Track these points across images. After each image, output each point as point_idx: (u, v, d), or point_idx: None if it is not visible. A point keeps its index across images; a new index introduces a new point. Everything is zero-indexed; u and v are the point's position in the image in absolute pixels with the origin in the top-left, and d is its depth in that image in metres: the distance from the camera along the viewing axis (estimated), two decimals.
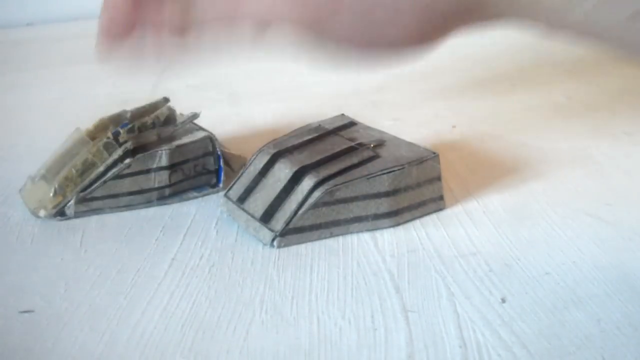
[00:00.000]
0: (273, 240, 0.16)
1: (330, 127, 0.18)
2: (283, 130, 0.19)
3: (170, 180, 0.19)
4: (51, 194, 0.18)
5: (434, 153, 0.17)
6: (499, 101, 0.26)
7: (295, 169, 0.16)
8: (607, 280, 0.14)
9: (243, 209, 0.17)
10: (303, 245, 0.16)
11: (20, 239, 0.17)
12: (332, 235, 0.16)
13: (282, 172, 0.16)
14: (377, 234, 0.17)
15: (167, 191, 0.19)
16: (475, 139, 0.22)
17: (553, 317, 0.13)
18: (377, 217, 0.16)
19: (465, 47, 0.23)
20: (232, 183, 0.17)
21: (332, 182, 0.16)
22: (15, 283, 0.15)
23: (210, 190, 0.20)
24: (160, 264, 0.16)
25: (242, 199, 0.17)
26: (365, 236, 0.17)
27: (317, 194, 0.16)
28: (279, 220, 0.16)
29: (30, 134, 0.25)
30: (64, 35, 0.41)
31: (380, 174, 0.16)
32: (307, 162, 0.16)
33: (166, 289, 0.15)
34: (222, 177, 0.20)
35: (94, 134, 0.19)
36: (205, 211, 0.19)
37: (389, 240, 0.16)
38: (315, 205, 0.15)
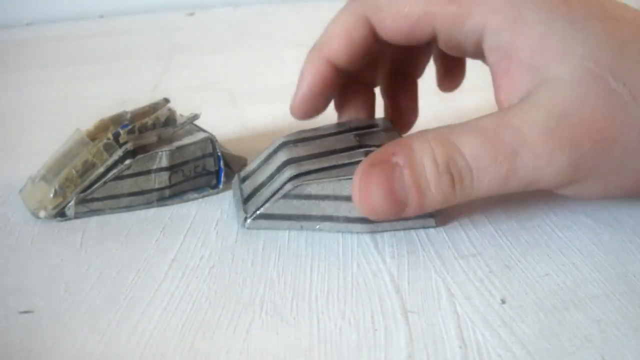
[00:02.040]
0: (245, 221, 0.16)
1: (349, 126, 0.18)
2: (283, 132, 0.19)
3: (170, 181, 0.19)
4: (51, 195, 0.18)
5: None
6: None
7: (285, 159, 0.17)
8: (607, 281, 0.14)
9: (240, 188, 0.17)
10: (303, 247, 0.16)
11: (20, 240, 0.17)
12: (302, 229, 0.16)
13: (278, 160, 0.17)
14: (377, 235, 0.17)
15: (167, 192, 0.19)
16: None
17: (553, 317, 0.13)
18: (349, 220, 0.16)
19: None
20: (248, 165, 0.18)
21: (304, 178, 0.16)
22: (15, 283, 0.15)
23: (211, 191, 0.20)
24: (160, 264, 0.16)
25: (243, 179, 0.18)
26: (365, 237, 0.17)
27: (288, 186, 0.16)
28: (253, 204, 0.17)
29: (30, 134, 0.25)
30: (64, 35, 0.41)
31: (349, 178, 0.16)
32: (301, 154, 0.17)
33: (166, 289, 0.15)
34: (222, 179, 0.20)
35: (94, 135, 0.19)
36: (206, 212, 0.19)
37: (389, 242, 0.16)
38: (285, 196, 0.16)
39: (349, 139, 0.18)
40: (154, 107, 0.20)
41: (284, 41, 0.38)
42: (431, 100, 0.27)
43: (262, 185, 0.17)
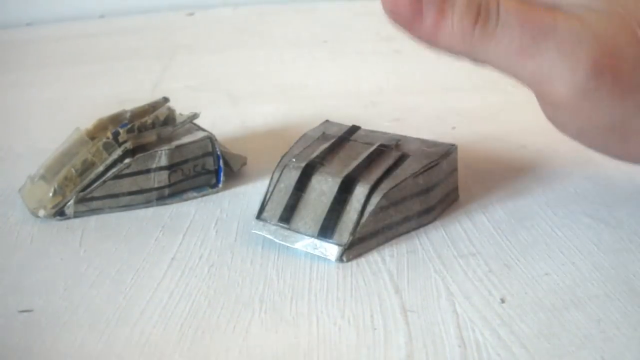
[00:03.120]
0: (342, 254, 0.15)
1: (335, 134, 0.18)
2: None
3: (169, 180, 0.19)
4: (50, 194, 0.18)
5: (453, 145, 0.17)
6: (499, 102, 0.26)
7: (339, 179, 0.16)
8: (606, 281, 0.14)
9: (291, 229, 0.16)
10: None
11: (19, 239, 0.17)
12: (387, 240, 0.16)
13: (325, 184, 0.16)
14: None
15: (166, 191, 0.19)
16: (474, 141, 0.22)
17: (552, 317, 0.13)
18: (420, 214, 0.16)
19: None
20: (261, 205, 0.16)
21: (384, 186, 0.16)
22: (14, 282, 0.15)
23: (210, 190, 0.20)
24: (160, 263, 0.16)
25: (285, 219, 0.16)
26: None
27: (374, 199, 0.15)
28: (343, 233, 0.15)
29: (30, 134, 0.26)
30: (64, 35, 0.41)
31: (422, 171, 0.16)
32: (347, 170, 0.16)
33: (165, 288, 0.15)
34: (222, 178, 0.20)
35: (93, 134, 0.19)
36: (205, 211, 0.19)
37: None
38: (374, 212, 0.15)
39: (357, 144, 0.17)
40: (153, 106, 0.20)
41: (284, 41, 0.37)
42: (432, 98, 0.27)
43: (335, 213, 0.15)
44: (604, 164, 0.19)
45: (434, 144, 0.18)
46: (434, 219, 0.17)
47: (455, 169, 0.18)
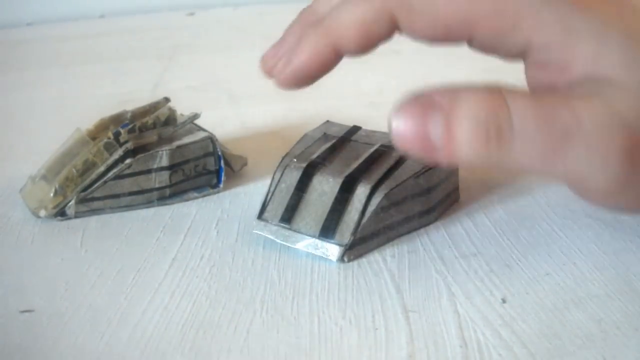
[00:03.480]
0: (343, 254, 0.15)
1: (336, 134, 0.18)
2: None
3: (170, 181, 0.19)
4: (52, 194, 0.18)
5: None
6: None
7: (341, 179, 0.16)
8: (607, 281, 0.14)
9: (292, 230, 0.15)
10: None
11: (20, 239, 0.17)
12: (388, 240, 0.16)
13: (326, 184, 0.16)
14: None
15: (167, 191, 0.19)
16: None
17: (554, 317, 0.13)
18: (421, 214, 0.16)
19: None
20: (262, 205, 0.16)
21: (385, 186, 0.16)
22: (15, 283, 0.15)
23: (211, 190, 0.20)
24: (161, 264, 0.16)
25: (286, 219, 0.16)
26: None
27: (375, 200, 0.15)
28: (344, 233, 0.15)
29: (30, 134, 0.25)
30: (64, 36, 0.41)
31: (423, 172, 0.16)
32: (348, 171, 0.16)
33: (167, 288, 0.15)
34: (223, 178, 0.20)
35: (94, 134, 0.19)
36: (206, 211, 0.19)
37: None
38: (375, 212, 0.15)
39: (358, 145, 0.17)
40: (154, 107, 0.20)
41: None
42: None
43: (336, 213, 0.15)
44: None
45: None
46: (435, 219, 0.17)
47: (456, 169, 0.18)
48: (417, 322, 0.13)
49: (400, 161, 0.17)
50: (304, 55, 0.14)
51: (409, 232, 0.17)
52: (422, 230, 0.17)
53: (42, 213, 0.18)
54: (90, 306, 0.14)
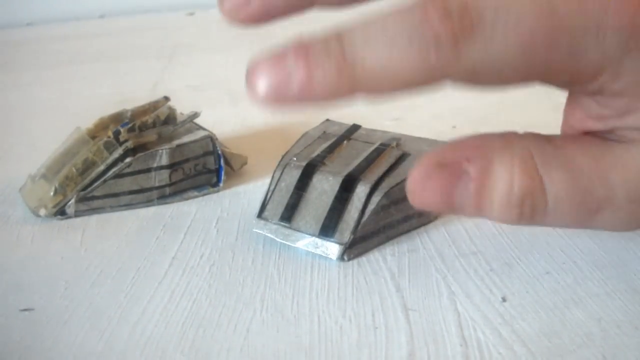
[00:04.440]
0: (343, 253, 0.15)
1: (336, 133, 0.18)
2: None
3: (170, 180, 0.19)
4: (51, 193, 0.18)
5: None
6: (500, 100, 0.26)
7: (340, 178, 0.16)
8: (607, 279, 0.14)
9: (292, 228, 0.15)
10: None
11: (20, 238, 0.17)
12: (388, 239, 0.16)
13: (326, 183, 0.16)
14: None
15: (167, 190, 0.19)
16: None
17: (554, 316, 0.13)
18: (420, 213, 0.16)
19: None
20: (262, 204, 0.16)
21: (385, 185, 0.16)
22: (15, 281, 0.15)
23: (211, 189, 0.20)
24: (161, 262, 0.16)
25: (286, 218, 0.16)
26: None
27: (375, 198, 0.15)
28: (344, 232, 0.15)
29: (30, 133, 0.25)
30: (64, 35, 0.41)
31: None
32: (348, 169, 0.16)
33: (167, 287, 0.15)
34: (223, 177, 0.20)
35: (94, 133, 0.19)
36: (206, 210, 0.19)
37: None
38: (375, 211, 0.15)
39: (357, 143, 0.17)
40: (154, 106, 0.20)
41: (284, 40, 0.37)
42: (432, 97, 0.27)
43: (336, 211, 0.15)
44: None
45: (435, 143, 0.18)
46: (435, 218, 0.17)
47: None
48: (417, 321, 0.13)
49: (400, 159, 0.17)
50: None
51: (409, 230, 0.17)
52: (422, 229, 0.17)
53: (42, 212, 0.18)
54: (90, 305, 0.14)
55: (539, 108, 0.22)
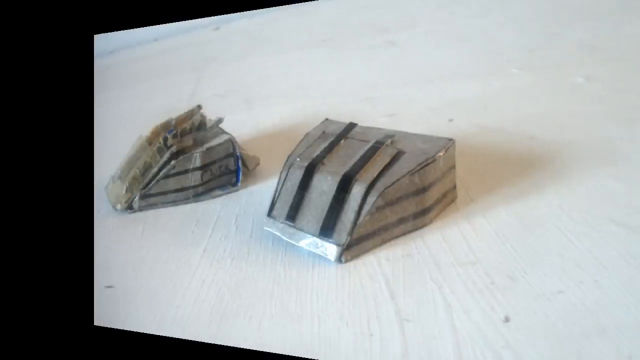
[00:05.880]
0: (340, 255, 0.11)
1: (334, 132, 0.13)
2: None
3: (202, 179, 0.15)
4: (124, 191, 0.16)
5: (450, 139, 0.11)
6: (501, 88, 0.16)
7: (338, 178, 0.11)
8: None
9: (296, 228, 0.11)
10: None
11: (105, 228, 0.15)
12: (383, 242, 0.11)
13: (324, 183, 0.11)
14: None
15: (200, 189, 0.16)
16: (474, 133, 0.14)
17: (569, 345, 0.08)
18: (416, 215, 0.11)
19: (464, 19, 0.12)
20: (271, 203, 0.12)
21: (381, 185, 0.11)
22: (102, 263, 0.13)
23: (231, 189, 0.16)
24: (195, 254, 0.13)
25: (291, 217, 0.12)
26: None
27: (371, 199, 0.11)
28: (342, 233, 0.11)
29: (111, 141, 0.21)
30: (129, 59, 0.34)
31: (418, 169, 0.11)
32: (345, 169, 0.11)
33: (199, 277, 0.12)
34: (240, 177, 0.15)
35: (151, 140, 0.16)
36: (228, 208, 0.15)
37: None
38: (370, 212, 0.10)
39: (354, 142, 0.12)
40: (190, 114, 0.16)
41: (289, 44, 0.29)
42: (427, 90, 0.18)
43: (334, 212, 0.11)
44: (633, 157, 0.10)
45: (430, 139, 0.12)
46: (431, 222, 0.11)
47: (452, 166, 0.11)
48: (412, 333, 0.09)
49: (395, 158, 0.11)
50: None
51: (403, 233, 0.11)
52: (417, 233, 0.11)
53: (118, 207, 0.16)
54: (148, 287, 0.12)
55: (550, 94, 0.12)
